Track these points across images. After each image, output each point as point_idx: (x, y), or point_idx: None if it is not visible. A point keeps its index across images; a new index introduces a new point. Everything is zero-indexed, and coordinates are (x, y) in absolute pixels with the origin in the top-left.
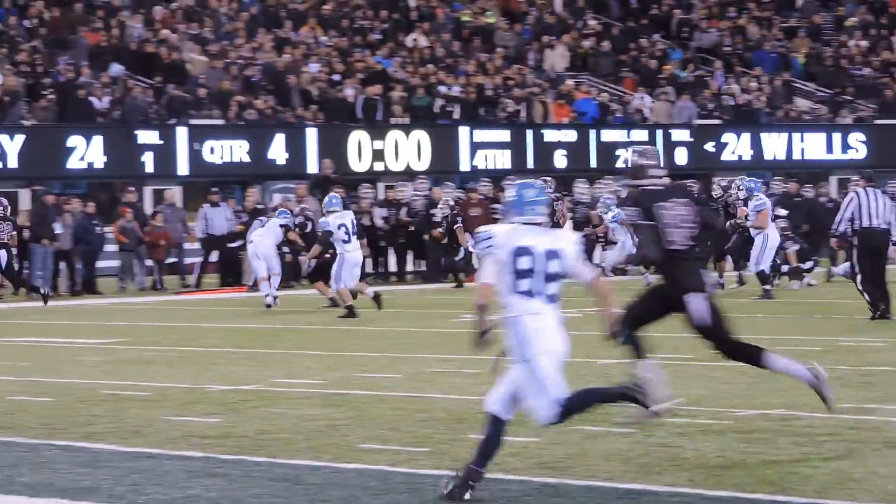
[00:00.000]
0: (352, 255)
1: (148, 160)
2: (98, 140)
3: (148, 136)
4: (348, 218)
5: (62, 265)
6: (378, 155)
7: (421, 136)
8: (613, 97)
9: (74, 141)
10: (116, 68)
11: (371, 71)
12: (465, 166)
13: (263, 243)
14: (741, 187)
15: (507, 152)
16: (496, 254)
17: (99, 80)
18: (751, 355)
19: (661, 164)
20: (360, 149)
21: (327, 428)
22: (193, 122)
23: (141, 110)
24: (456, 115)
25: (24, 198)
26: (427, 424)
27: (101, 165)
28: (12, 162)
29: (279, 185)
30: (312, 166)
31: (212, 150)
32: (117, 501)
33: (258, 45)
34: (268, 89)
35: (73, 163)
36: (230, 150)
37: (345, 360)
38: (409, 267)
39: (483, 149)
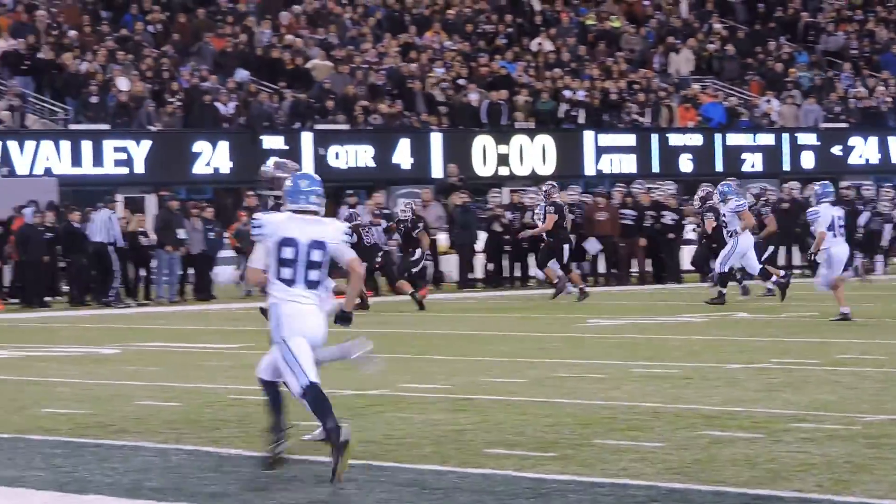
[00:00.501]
0: None
1: None
2: (223, 145)
3: (273, 142)
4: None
5: (190, 270)
6: (503, 159)
7: (546, 140)
8: (739, 101)
9: (200, 146)
10: (242, 74)
11: (496, 75)
12: (590, 170)
13: None
14: (717, 193)
15: (633, 156)
16: (265, 242)
17: (224, 86)
18: None
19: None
20: (484, 153)
21: (453, 433)
22: (318, 127)
23: (266, 116)
24: (580, 120)
25: (151, 203)
26: (553, 429)
27: (227, 171)
28: (139, 167)
29: (404, 190)
30: (437, 171)
31: (337, 156)
32: None
33: (383, 50)
34: (392, 94)
35: (199, 168)
36: (355, 156)
37: (470, 364)
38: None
39: (608, 153)
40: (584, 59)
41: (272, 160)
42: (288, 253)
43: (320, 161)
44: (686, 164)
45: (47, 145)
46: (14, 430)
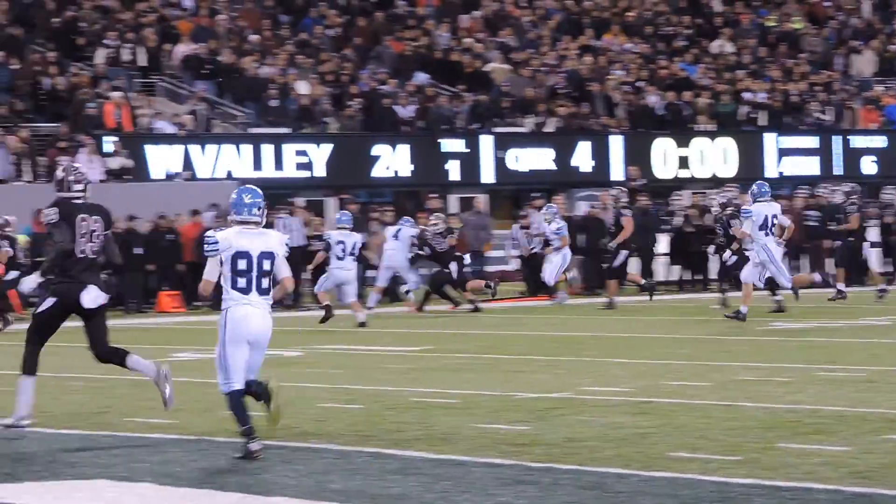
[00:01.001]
0: (339, 272)
1: (453, 168)
2: (403, 148)
3: (453, 145)
4: (351, 239)
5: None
6: (683, 162)
7: (727, 142)
8: None
9: (379, 149)
10: (421, 77)
11: (675, 77)
12: (771, 173)
13: (396, 257)
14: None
15: (815, 159)
16: (220, 255)
17: (404, 89)
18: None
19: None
20: (665, 156)
21: (635, 436)
22: (498, 130)
23: (445, 119)
24: (761, 122)
25: (331, 207)
26: (737, 433)
27: (407, 174)
28: (319, 171)
29: (584, 193)
30: (617, 173)
31: (517, 159)
32: None
33: (562, 53)
34: (572, 96)
35: (379, 171)
36: (535, 158)
37: (653, 367)
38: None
39: (790, 155)
40: (765, 60)
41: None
42: (242, 265)
43: (500, 164)
44: (870, 166)
45: (228, 149)
46: (199, 431)
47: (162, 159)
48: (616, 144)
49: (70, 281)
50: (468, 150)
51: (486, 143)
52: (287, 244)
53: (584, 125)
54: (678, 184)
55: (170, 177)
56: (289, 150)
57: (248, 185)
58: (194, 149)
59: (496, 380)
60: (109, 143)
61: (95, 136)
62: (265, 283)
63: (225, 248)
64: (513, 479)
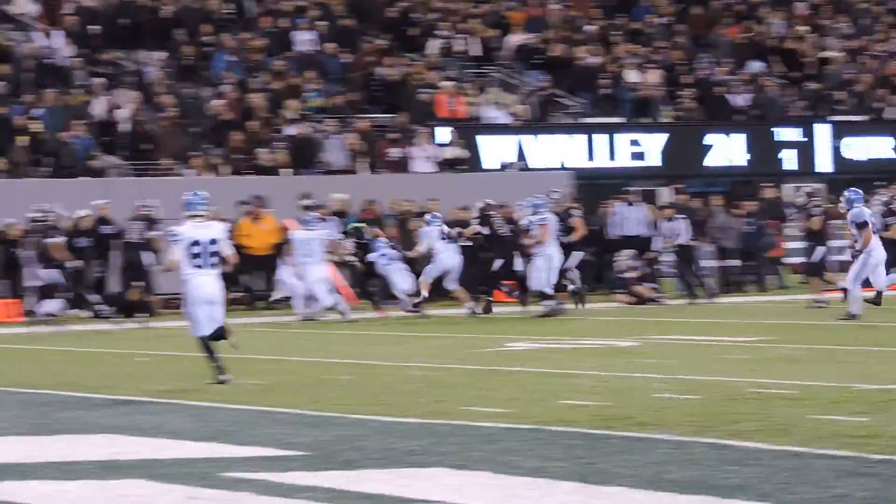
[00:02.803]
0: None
1: (788, 157)
2: (737, 137)
3: (788, 134)
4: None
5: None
6: None
7: None
8: None
9: (713, 138)
10: (755, 65)
11: None
12: None
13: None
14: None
15: None
16: (180, 244)
17: (738, 77)
18: None
19: None
20: None
21: None
22: (834, 118)
23: (780, 107)
24: None
25: (664, 196)
26: None
27: (743, 163)
28: (653, 160)
29: None
30: None
31: (852, 147)
32: (765, 500)
33: None
34: None
35: (713, 160)
36: (873, 147)
37: None
38: None
39: None
40: None
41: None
42: (196, 249)
43: (836, 153)
44: None
45: (561, 139)
46: (535, 421)
47: (495, 149)
48: None
49: None
50: (804, 140)
51: (823, 131)
52: (227, 230)
53: None
54: None
55: (504, 167)
56: (622, 139)
57: (196, 191)
58: (527, 139)
59: (835, 371)
60: (443, 134)
61: (429, 127)
62: (214, 259)
63: (183, 238)
64: (852, 472)
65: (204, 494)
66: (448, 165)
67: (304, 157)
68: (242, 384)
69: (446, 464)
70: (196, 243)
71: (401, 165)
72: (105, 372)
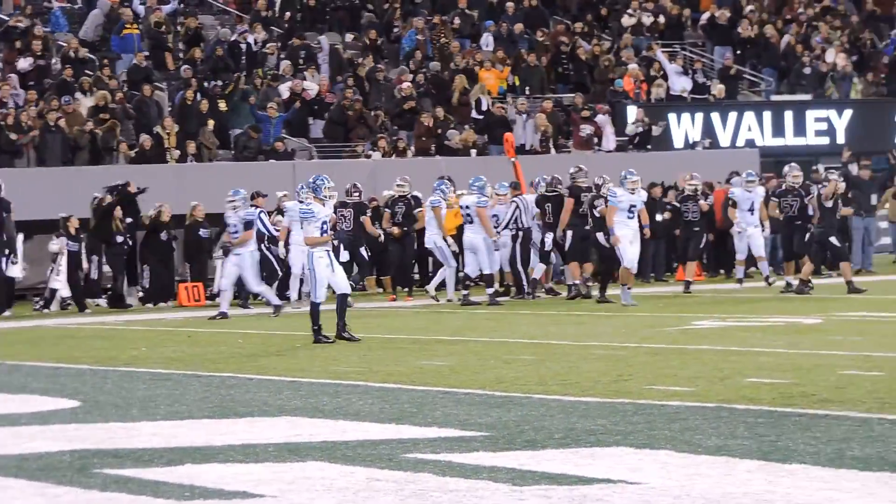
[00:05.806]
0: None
1: None
2: None
3: None
4: None
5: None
6: None
7: None
8: None
9: None
10: None
11: None
12: None
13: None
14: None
15: None
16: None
17: None
18: None
19: None
20: None
21: None
22: None
23: None
24: None
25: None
26: None
27: None
28: (841, 137)
29: None
30: None
31: None
32: None
33: None
34: None
35: None
36: None
37: None
38: None
39: None
40: None
41: None
42: None
43: None
44: None
45: (749, 116)
46: (718, 399)
47: (683, 127)
48: None
49: None
50: None
51: None
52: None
53: None
54: None
55: (691, 145)
56: (810, 116)
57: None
58: (715, 116)
59: None
60: (632, 112)
61: (613, 105)
62: None
63: None
64: None
65: (385, 476)
66: (633, 144)
67: (494, 136)
68: (426, 364)
69: (628, 443)
70: None
71: (588, 144)
72: (285, 353)
